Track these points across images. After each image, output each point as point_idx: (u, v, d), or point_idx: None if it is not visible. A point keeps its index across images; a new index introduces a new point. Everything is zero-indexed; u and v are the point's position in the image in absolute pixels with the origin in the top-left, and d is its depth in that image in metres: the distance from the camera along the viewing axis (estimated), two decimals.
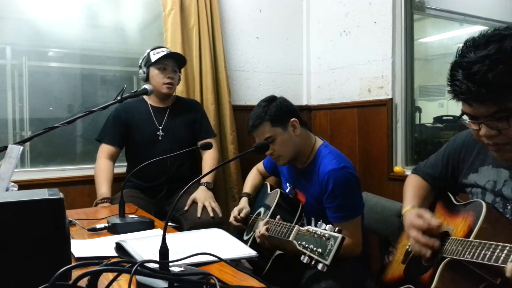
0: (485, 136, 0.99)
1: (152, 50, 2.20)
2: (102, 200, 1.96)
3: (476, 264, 0.99)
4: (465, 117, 1.03)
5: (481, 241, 0.99)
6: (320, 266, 0.98)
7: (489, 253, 0.94)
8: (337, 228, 1.00)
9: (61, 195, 0.94)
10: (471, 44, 0.97)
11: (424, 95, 3.11)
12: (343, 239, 0.97)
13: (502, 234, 1.03)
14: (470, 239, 1.04)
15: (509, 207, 1.08)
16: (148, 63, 2.17)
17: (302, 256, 1.04)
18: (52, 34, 2.51)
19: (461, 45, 1.01)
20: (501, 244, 0.93)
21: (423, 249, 1.12)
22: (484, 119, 0.97)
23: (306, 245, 1.04)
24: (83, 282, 0.63)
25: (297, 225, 1.16)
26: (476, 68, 0.92)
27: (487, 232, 1.04)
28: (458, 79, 0.96)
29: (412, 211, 1.24)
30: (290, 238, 1.15)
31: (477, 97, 0.94)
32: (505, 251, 0.91)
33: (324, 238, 1.00)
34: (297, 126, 1.63)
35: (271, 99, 1.67)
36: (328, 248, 0.97)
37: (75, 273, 0.64)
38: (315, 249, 1.00)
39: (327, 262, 0.96)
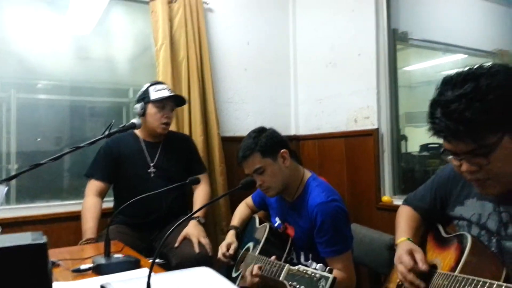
0: (466, 171, 1.01)
1: (151, 85, 2.16)
2: (87, 241, 1.91)
3: None
4: (446, 153, 1.05)
5: (464, 276, 1.00)
6: None
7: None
8: (327, 268, 0.99)
9: (44, 239, 0.92)
10: (448, 83, 1.00)
11: (410, 121, 3.16)
12: (334, 279, 0.97)
13: (487, 267, 1.04)
14: (456, 273, 1.05)
15: (493, 240, 1.09)
16: (146, 99, 2.13)
17: None
18: (41, 67, 2.52)
19: (439, 82, 1.04)
20: (482, 280, 0.94)
21: (410, 287, 1.14)
22: (464, 156, 0.99)
23: (297, 286, 1.03)
24: None
25: (287, 264, 1.15)
26: (453, 107, 0.95)
27: (473, 266, 1.05)
28: (437, 117, 0.99)
29: (405, 244, 1.25)
30: (281, 278, 1.13)
31: (456, 134, 0.96)
32: (486, 286, 0.91)
33: (315, 278, 0.99)
34: (287, 157, 1.64)
35: (261, 130, 1.68)
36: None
37: None
38: None
39: None
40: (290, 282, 1.06)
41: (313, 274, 1.00)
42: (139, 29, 2.80)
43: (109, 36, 2.74)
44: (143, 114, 2.15)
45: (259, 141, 1.61)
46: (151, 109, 2.13)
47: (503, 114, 0.93)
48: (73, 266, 1.38)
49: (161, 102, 2.13)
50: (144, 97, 2.15)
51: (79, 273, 1.33)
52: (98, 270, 1.33)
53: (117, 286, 1.10)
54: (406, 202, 1.46)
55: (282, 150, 1.63)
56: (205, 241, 1.94)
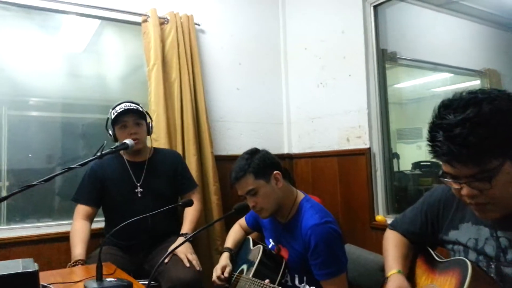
0: (467, 196, 1.01)
1: (113, 108, 2.13)
2: (75, 263, 1.87)
3: None
4: (445, 176, 1.04)
5: None
6: None
7: None
8: None
9: (35, 267, 0.91)
10: (449, 106, 1.00)
11: (401, 138, 3.20)
12: None
13: None
14: None
15: (492, 266, 1.08)
16: (111, 123, 2.12)
17: None
18: (33, 84, 2.52)
19: (437, 105, 1.04)
20: None
21: None
22: (465, 179, 0.99)
23: None
24: None
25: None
26: (457, 131, 0.95)
27: None
28: (439, 140, 0.98)
29: (395, 280, 1.22)
30: None
31: (459, 158, 0.96)
32: None
33: None
34: (280, 178, 1.64)
35: (254, 152, 1.68)
36: None
37: None
38: None
39: None
40: None
41: None
42: (131, 49, 2.82)
43: (101, 55, 2.75)
44: (115, 139, 2.13)
45: (252, 163, 1.61)
46: (117, 130, 2.12)
47: (505, 139, 0.94)
48: None
49: (121, 121, 2.09)
50: (110, 123, 2.13)
51: None
52: None
53: None
54: (392, 227, 1.43)
55: (275, 172, 1.64)
56: (192, 257, 1.92)
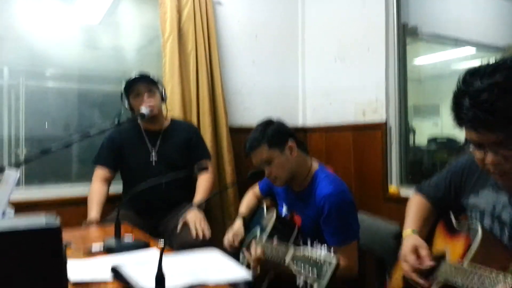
0: (491, 163, 1.00)
1: (126, 81, 2.17)
2: (90, 223, 1.97)
3: None
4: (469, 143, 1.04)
5: (471, 268, 1.00)
6: (315, 286, 0.99)
7: (477, 280, 0.95)
8: (332, 253, 1.00)
9: (58, 223, 0.93)
10: (475, 73, 0.98)
11: (418, 115, 3.16)
12: (337, 265, 0.98)
13: (496, 258, 1.04)
14: (463, 264, 1.05)
15: (506, 232, 1.09)
16: (125, 93, 2.16)
17: (297, 279, 1.04)
18: (50, 55, 2.55)
19: (462, 74, 1.02)
20: (491, 270, 0.94)
21: (418, 283, 1.15)
22: (490, 147, 0.98)
23: (301, 269, 1.04)
24: None
25: (292, 248, 1.16)
26: (484, 96, 0.93)
27: (481, 256, 1.04)
28: (465, 106, 0.97)
29: (410, 239, 1.25)
30: (286, 261, 1.15)
31: (486, 124, 0.95)
32: (492, 280, 0.92)
33: (319, 261, 1.00)
34: (294, 148, 1.66)
35: (268, 123, 1.70)
36: (324, 271, 0.97)
37: None
38: (310, 273, 1.01)
39: (322, 286, 0.96)
40: (294, 266, 1.08)
41: (317, 258, 1.01)
42: (147, 20, 2.82)
43: (118, 27, 2.76)
44: (131, 108, 2.18)
45: (266, 133, 1.63)
46: (131, 100, 2.16)
47: None
48: (84, 247, 1.41)
49: (134, 90, 2.14)
50: (124, 93, 2.17)
51: (90, 253, 1.36)
52: (109, 250, 1.37)
53: (129, 267, 1.12)
54: (419, 190, 1.46)
55: (289, 142, 1.65)
56: (202, 225, 1.96)
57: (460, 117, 1.00)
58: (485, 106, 0.94)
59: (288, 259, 1.13)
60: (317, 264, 1.00)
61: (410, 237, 1.27)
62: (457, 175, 1.30)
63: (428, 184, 1.43)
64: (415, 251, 1.20)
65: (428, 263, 1.15)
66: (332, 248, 1.03)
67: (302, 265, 1.05)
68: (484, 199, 1.18)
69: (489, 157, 0.99)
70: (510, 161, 0.98)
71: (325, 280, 0.96)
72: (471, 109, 0.96)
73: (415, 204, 1.41)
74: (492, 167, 1.01)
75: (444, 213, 1.34)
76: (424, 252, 1.19)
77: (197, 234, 1.91)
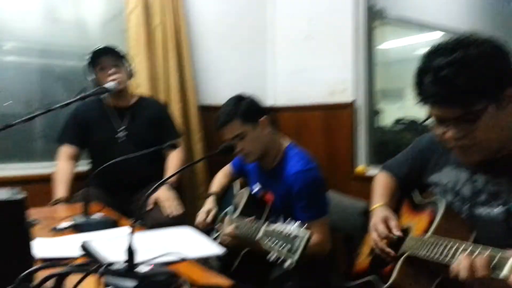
0: (451, 138, 1.03)
1: (90, 53, 2.09)
2: (57, 201, 1.91)
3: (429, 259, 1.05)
4: (430, 120, 1.08)
5: (434, 239, 1.05)
6: (287, 264, 1.00)
7: (440, 250, 1.00)
8: (303, 226, 1.02)
9: (22, 195, 0.91)
10: (437, 50, 1.02)
11: (385, 98, 3.23)
12: (309, 237, 0.99)
13: (456, 232, 1.08)
14: (427, 236, 1.10)
15: (465, 207, 1.13)
16: (90, 66, 2.08)
17: (269, 254, 1.05)
18: (9, 27, 2.41)
19: (425, 52, 1.05)
20: (452, 241, 0.98)
21: (382, 254, 1.22)
22: (450, 122, 1.02)
23: (274, 244, 1.05)
24: (49, 283, 0.62)
25: (264, 224, 1.17)
26: (444, 72, 0.97)
27: (443, 230, 1.10)
28: (427, 83, 1.00)
29: (379, 211, 1.30)
30: (258, 237, 1.16)
31: (446, 100, 0.98)
32: (453, 249, 0.96)
33: (291, 236, 1.01)
34: (267, 124, 1.66)
35: (241, 98, 1.68)
36: (296, 246, 0.98)
37: (41, 274, 0.62)
38: (282, 247, 1.02)
39: (294, 260, 0.98)
40: (266, 241, 1.09)
41: (289, 232, 1.02)
42: None
43: None
44: (96, 82, 2.09)
45: (239, 108, 1.61)
46: (97, 73, 2.08)
47: (490, 82, 0.96)
48: (51, 225, 1.37)
49: (99, 63, 2.06)
50: (88, 67, 2.09)
51: (58, 231, 1.32)
52: (78, 228, 1.33)
53: (98, 243, 1.10)
54: (384, 168, 1.50)
55: (262, 117, 1.64)
56: (173, 203, 1.95)
57: (422, 94, 1.03)
58: (445, 81, 0.97)
59: (260, 234, 1.14)
60: (288, 238, 1.01)
61: (380, 210, 1.31)
62: (420, 153, 1.34)
63: (392, 162, 1.47)
64: (385, 221, 1.25)
65: (397, 232, 1.21)
66: (304, 223, 1.04)
67: (274, 240, 1.05)
68: (446, 175, 1.22)
69: (450, 132, 1.03)
70: (469, 136, 1.01)
71: (297, 254, 0.97)
72: (432, 85, 0.99)
73: (382, 181, 1.45)
74: (453, 142, 1.05)
75: (408, 190, 1.38)
76: (393, 223, 1.24)
77: (169, 212, 1.89)
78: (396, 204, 1.39)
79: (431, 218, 1.15)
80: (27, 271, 0.61)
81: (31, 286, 0.64)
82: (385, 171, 1.48)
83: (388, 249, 1.20)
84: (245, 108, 1.62)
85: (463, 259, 0.90)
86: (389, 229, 1.23)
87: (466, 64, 0.96)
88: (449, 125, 1.03)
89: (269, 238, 1.08)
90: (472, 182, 1.14)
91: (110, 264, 0.64)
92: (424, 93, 1.02)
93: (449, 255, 0.96)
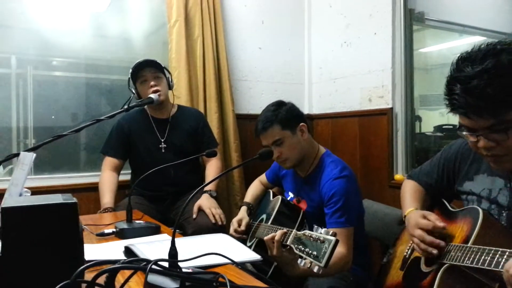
0: (484, 148, 1.02)
1: (133, 67, 2.17)
2: (105, 210, 1.99)
3: (475, 270, 1.01)
4: (462, 129, 1.06)
5: (480, 246, 1.01)
6: (316, 269, 1.01)
7: (488, 258, 0.96)
8: (331, 231, 1.02)
9: (74, 200, 0.97)
10: (467, 59, 1.00)
11: (424, 104, 3.15)
12: (337, 241, 1.00)
13: (498, 240, 1.05)
14: (469, 245, 1.06)
15: (504, 214, 1.11)
16: (132, 80, 2.17)
17: (300, 260, 1.07)
18: (58, 44, 2.55)
19: (455, 59, 1.04)
20: (500, 249, 0.95)
21: (429, 248, 1.14)
22: (482, 132, 1.00)
23: (303, 249, 1.07)
24: (101, 280, 0.66)
25: (294, 230, 1.18)
26: (474, 83, 0.95)
27: (484, 238, 1.06)
28: (457, 93, 0.99)
29: (416, 212, 1.26)
30: (288, 242, 1.17)
31: (476, 110, 0.97)
32: (505, 256, 0.92)
33: (319, 241, 1.02)
34: (305, 131, 1.69)
35: (280, 104, 1.72)
36: (323, 250, 0.99)
37: (91, 274, 0.67)
38: (310, 252, 1.03)
39: (322, 264, 0.99)
40: (296, 246, 1.10)
41: (317, 237, 1.03)
42: (154, 5, 2.82)
43: (125, 13, 2.76)
44: (138, 96, 2.17)
45: (279, 114, 1.65)
46: (138, 87, 2.16)
47: None
48: (96, 231, 1.44)
49: (141, 76, 2.14)
50: (131, 81, 2.17)
51: (102, 237, 1.39)
52: (121, 234, 1.39)
53: (141, 246, 1.15)
54: (410, 177, 1.47)
55: (301, 124, 1.68)
56: (217, 211, 1.98)
57: (452, 103, 1.02)
58: (475, 92, 0.95)
59: (290, 239, 1.16)
60: (317, 243, 1.03)
61: (415, 212, 1.27)
62: (450, 162, 1.31)
63: (420, 171, 1.44)
64: (426, 217, 1.20)
65: (441, 223, 1.15)
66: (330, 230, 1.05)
67: (303, 244, 1.07)
68: (479, 184, 1.19)
69: (482, 142, 1.01)
70: (502, 145, 0.99)
71: (324, 259, 0.98)
72: (462, 95, 0.98)
73: (410, 188, 1.42)
74: (485, 151, 1.03)
75: (436, 200, 1.35)
76: (434, 217, 1.19)
77: (215, 219, 1.93)
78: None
79: (470, 227, 1.11)
80: (81, 268, 0.65)
81: (87, 281, 0.68)
82: (412, 180, 1.45)
83: (437, 241, 1.13)
84: (284, 114, 1.65)
85: None
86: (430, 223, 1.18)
87: (497, 73, 0.94)
88: (480, 135, 1.01)
89: (299, 243, 1.09)
90: (508, 189, 1.11)
91: (158, 261, 0.68)
92: (454, 103, 1.01)
93: (501, 263, 0.92)
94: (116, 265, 0.63)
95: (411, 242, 1.28)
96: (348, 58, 2.78)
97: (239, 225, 1.82)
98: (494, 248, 0.97)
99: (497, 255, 0.94)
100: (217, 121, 2.65)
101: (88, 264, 0.66)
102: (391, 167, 2.43)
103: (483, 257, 0.97)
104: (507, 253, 0.93)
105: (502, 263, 0.92)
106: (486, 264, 0.96)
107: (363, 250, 1.68)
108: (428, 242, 1.15)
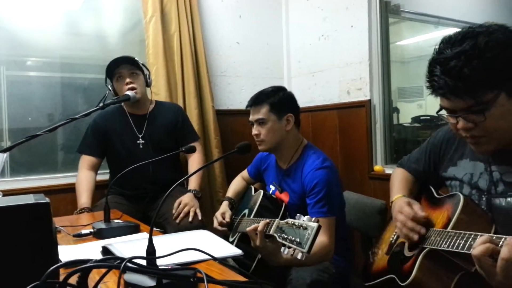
0: (462, 128, 1.04)
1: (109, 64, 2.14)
2: (81, 210, 1.95)
3: (453, 254, 1.03)
4: (443, 111, 1.08)
5: (456, 231, 1.03)
6: (299, 256, 1.01)
7: (462, 242, 0.98)
8: (313, 218, 1.03)
9: (46, 200, 0.94)
10: (447, 42, 1.02)
11: (402, 96, 3.20)
12: (319, 227, 1.00)
13: (477, 224, 1.08)
14: (448, 229, 1.08)
15: (484, 199, 1.13)
16: (109, 78, 2.14)
17: (283, 248, 1.07)
18: (31, 43, 2.49)
19: (438, 43, 1.05)
20: (474, 233, 0.97)
21: (410, 233, 1.17)
22: (461, 113, 1.02)
23: (286, 236, 1.07)
24: (73, 280, 0.64)
25: (277, 219, 1.18)
26: (452, 64, 0.97)
27: (464, 223, 1.09)
28: (436, 74, 1.01)
29: (402, 199, 1.29)
30: (271, 232, 1.17)
31: (455, 91, 0.99)
32: (476, 239, 0.94)
33: (302, 228, 1.03)
34: (291, 122, 1.71)
35: (281, 88, 1.77)
36: (306, 237, 1.00)
37: (65, 273, 0.65)
38: (293, 239, 1.03)
39: (305, 250, 0.99)
40: (279, 234, 1.10)
41: (299, 224, 1.04)
42: (129, 2, 2.76)
43: (99, 10, 2.70)
44: (114, 92, 2.14)
45: (274, 96, 1.69)
46: (115, 84, 2.13)
47: (500, 71, 0.95)
48: (73, 232, 1.41)
49: (116, 73, 2.11)
50: (106, 77, 2.14)
51: (80, 238, 1.37)
52: (99, 234, 1.37)
53: (119, 245, 1.13)
54: (400, 165, 1.50)
55: (288, 114, 1.69)
56: (196, 211, 1.95)
57: (432, 85, 1.04)
58: (453, 73, 0.97)
59: (273, 229, 1.16)
60: (299, 230, 1.03)
61: (401, 199, 1.30)
62: (435, 148, 1.33)
63: (408, 159, 1.47)
64: (409, 205, 1.23)
65: (423, 213, 1.18)
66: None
67: (286, 232, 1.08)
68: (462, 169, 1.22)
69: (460, 123, 1.03)
70: (479, 126, 1.01)
71: (307, 245, 0.99)
72: (441, 76, 1.00)
73: (399, 175, 1.45)
74: (464, 132, 1.05)
75: (425, 186, 1.38)
76: (417, 206, 1.22)
77: (194, 217, 1.91)
78: (414, 198, 1.37)
79: (451, 213, 1.14)
80: (52, 267, 0.64)
81: (58, 281, 0.67)
82: (401, 168, 1.48)
83: (418, 227, 1.16)
84: (278, 98, 1.69)
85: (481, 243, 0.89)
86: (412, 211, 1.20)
87: (473, 54, 0.96)
88: (459, 116, 1.03)
89: (282, 232, 1.10)
90: (488, 173, 1.12)
91: (132, 258, 0.66)
92: (434, 84, 1.02)
93: (473, 245, 0.94)
94: (88, 264, 0.61)
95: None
96: (326, 51, 2.79)
97: (223, 218, 1.81)
98: (468, 232, 0.99)
99: (470, 239, 0.97)
100: (197, 117, 2.63)
101: (59, 264, 0.63)
102: (371, 159, 2.46)
103: (458, 240, 1.00)
104: (479, 236, 0.95)
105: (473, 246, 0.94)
106: (460, 248, 0.98)
107: (344, 241, 1.69)
108: (409, 227, 1.17)
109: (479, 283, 1.05)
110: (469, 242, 0.97)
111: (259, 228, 1.28)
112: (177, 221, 1.91)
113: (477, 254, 0.89)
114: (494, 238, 0.91)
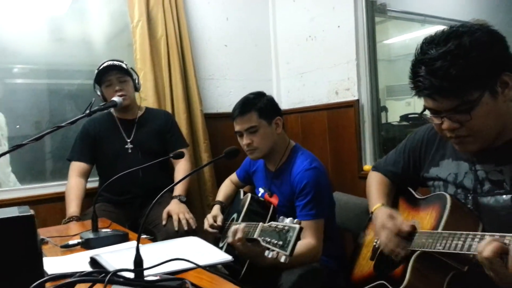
0: (448, 129, 1.04)
1: (97, 69, 2.12)
2: (70, 219, 1.92)
3: (444, 254, 1.03)
4: (427, 112, 1.08)
5: (450, 231, 1.02)
6: (283, 259, 1.01)
7: (460, 242, 0.96)
8: (295, 220, 1.03)
9: (31, 212, 0.93)
10: (431, 42, 1.02)
11: (391, 95, 3.21)
12: (301, 229, 1.00)
13: (465, 223, 1.08)
14: (439, 230, 1.07)
15: (470, 198, 1.13)
16: (97, 83, 2.13)
17: (267, 252, 1.07)
18: (16, 50, 2.45)
19: (420, 43, 1.05)
20: (471, 233, 0.96)
21: (396, 250, 1.15)
22: (446, 113, 1.01)
23: (269, 240, 1.07)
24: None
25: (260, 223, 1.18)
26: (438, 64, 0.97)
27: (453, 223, 1.08)
28: (421, 75, 1.00)
29: (382, 210, 1.27)
30: (255, 236, 1.17)
31: (440, 91, 0.98)
32: (476, 239, 0.93)
33: (284, 230, 1.03)
34: (280, 125, 1.71)
35: (261, 94, 1.75)
36: (288, 239, 1.00)
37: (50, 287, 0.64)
38: (276, 242, 1.03)
39: (287, 253, 0.99)
40: (262, 238, 1.10)
41: (282, 227, 1.04)
42: (115, 7, 2.74)
43: (85, 16, 2.67)
44: (103, 98, 2.13)
45: (259, 102, 1.68)
46: (104, 90, 2.13)
47: (485, 70, 0.96)
48: (61, 243, 1.39)
49: (106, 80, 2.10)
50: (95, 82, 2.13)
51: (67, 248, 1.35)
52: (87, 244, 1.35)
53: (106, 256, 1.12)
54: (375, 169, 1.48)
55: (277, 117, 1.70)
56: (187, 216, 1.94)
57: (417, 86, 1.03)
58: (439, 73, 0.97)
59: (257, 233, 1.16)
60: (282, 232, 1.03)
61: (381, 210, 1.28)
62: (415, 149, 1.32)
63: (385, 162, 1.45)
64: (392, 219, 1.21)
65: (407, 227, 1.16)
66: (298, 220, 1.05)
67: (270, 236, 1.07)
68: (445, 169, 1.21)
69: (446, 124, 1.03)
70: (465, 125, 1.01)
71: (289, 248, 0.98)
72: (426, 77, 0.99)
73: (376, 181, 1.43)
74: (449, 132, 1.05)
75: (401, 189, 1.37)
76: (400, 218, 1.20)
77: (182, 224, 1.89)
78: (391, 202, 1.36)
79: (439, 213, 1.13)
80: (36, 282, 0.62)
81: None
82: (377, 171, 1.46)
83: (404, 243, 1.14)
84: (264, 104, 1.68)
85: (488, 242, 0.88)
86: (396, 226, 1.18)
87: (459, 54, 0.96)
88: (444, 117, 1.02)
89: (265, 235, 1.10)
90: (473, 172, 1.13)
91: (117, 271, 0.65)
92: (419, 85, 1.02)
93: (473, 246, 0.93)
94: (72, 279, 0.60)
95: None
96: (314, 52, 2.79)
97: (215, 221, 1.80)
98: (464, 232, 0.98)
99: (468, 239, 0.95)
100: (185, 122, 2.61)
101: (42, 280, 0.62)
102: (360, 158, 2.47)
103: (454, 241, 0.98)
104: (478, 236, 0.94)
105: (474, 246, 0.93)
106: (458, 248, 0.96)
107: (334, 241, 1.69)
108: (395, 243, 1.16)
109: (469, 281, 1.05)
110: (468, 242, 0.95)
111: (238, 236, 1.28)
112: (175, 229, 1.88)
113: (489, 256, 0.86)
114: (497, 237, 0.89)
